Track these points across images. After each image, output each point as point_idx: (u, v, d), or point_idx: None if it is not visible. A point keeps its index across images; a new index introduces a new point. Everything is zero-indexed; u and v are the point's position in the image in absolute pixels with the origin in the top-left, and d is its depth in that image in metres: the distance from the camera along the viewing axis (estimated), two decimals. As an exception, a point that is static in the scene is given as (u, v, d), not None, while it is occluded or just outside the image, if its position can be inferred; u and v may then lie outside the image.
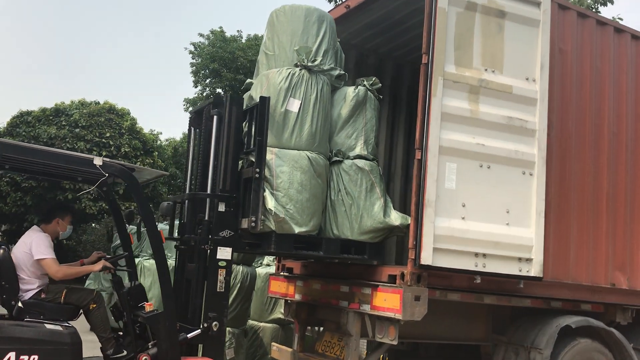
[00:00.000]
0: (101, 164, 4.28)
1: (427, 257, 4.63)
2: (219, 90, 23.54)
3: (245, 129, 5.08)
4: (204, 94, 23.95)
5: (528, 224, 5.09)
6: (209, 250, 4.67)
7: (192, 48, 23.81)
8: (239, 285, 6.93)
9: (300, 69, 5.12)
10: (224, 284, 4.63)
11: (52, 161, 4.33)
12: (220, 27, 23.99)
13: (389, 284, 4.85)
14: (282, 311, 7.56)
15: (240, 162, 5.08)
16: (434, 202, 4.70)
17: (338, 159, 5.23)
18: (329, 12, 6.59)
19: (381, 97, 5.67)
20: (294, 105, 5.01)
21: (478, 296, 5.24)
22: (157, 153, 24.34)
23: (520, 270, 5.01)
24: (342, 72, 5.47)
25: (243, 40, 24.00)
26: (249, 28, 56.47)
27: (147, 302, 4.73)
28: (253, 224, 4.69)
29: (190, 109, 23.60)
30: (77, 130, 19.55)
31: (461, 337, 5.69)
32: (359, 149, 5.29)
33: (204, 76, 23.63)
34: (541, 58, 5.26)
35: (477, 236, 4.85)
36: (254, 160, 4.84)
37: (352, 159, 5.25)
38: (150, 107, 62.06)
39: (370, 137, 5.39)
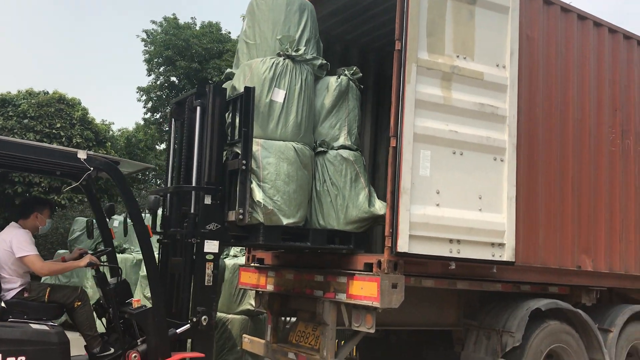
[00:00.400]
0: (85, 157, 4.18)
1: (403, 245, 4.63)
2: (173, 78, 23.06)
3: (229, 120, 4.99)
4: (158, 83, 23.43)
5: (500, 209, 5.15)
6: (195, 244, 4.58)
7: (144, 36, 23.27)
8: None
9: (284, 59, 5.05)
10: (212, 278, 4.57)
11: (35, 155, 4.21)
12: (174, 14, 23.52)
13: (365, 272, 4.84)
14: (252, 302, 7.48)
15: (224, 153, 4.98)
16: (409, 190, 4.70)
17: (322, 149, 5.20)
18: None
19: (362, 86, 5.65)
20: (279, 95, 4.94)
21: (451, 282, 5.28)
22: (109, 144, 23.69)
23: (493, 255, 5.07)
24: (325, 61, 5.40)
25: (197, 28, 23.54)
26: (203, 15, 55.54)
27: (133, 298, 4.63)
28: (241, 216, 4.63)
29: (144, 97, 23.32)
30: (26, 121, 18.81)
31: (434, 323, 5.75)
32: (342, 139, 5.27)
33: (157, 64, 23.09)
34: (510, 45, 5.31)
35: (451, 222, 4.88)
36: (238, 151, 4.77)
37: (336, 150, 5.24)
38: (102, 96, 60.35)
39: (353, 127, 5.37)
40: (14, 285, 4.40)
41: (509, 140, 5.22)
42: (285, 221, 4.81)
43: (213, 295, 4.63)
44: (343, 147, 5.24)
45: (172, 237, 4.90)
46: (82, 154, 4.19)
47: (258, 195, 4.71)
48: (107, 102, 58.93)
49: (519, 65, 5.38)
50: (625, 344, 6.22)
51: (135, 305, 4.45)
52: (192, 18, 24.15)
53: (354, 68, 5.50)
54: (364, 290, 4.77)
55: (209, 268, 4.57)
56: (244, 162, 4.68)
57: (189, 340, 4.61)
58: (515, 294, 5.77)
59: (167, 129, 24.48)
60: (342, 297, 5.01)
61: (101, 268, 4.79)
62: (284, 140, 4.96)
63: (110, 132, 26.16)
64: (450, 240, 4.88)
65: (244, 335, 6.56)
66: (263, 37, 5.24)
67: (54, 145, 4.72)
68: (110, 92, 60.91)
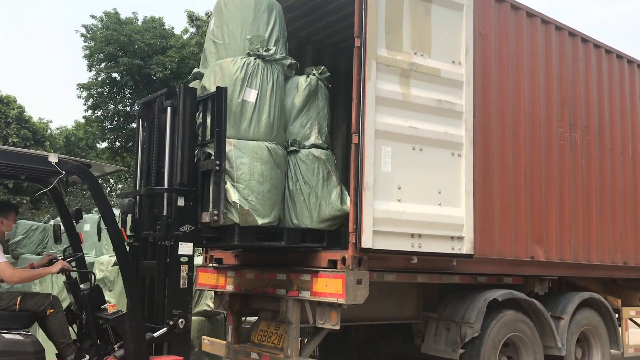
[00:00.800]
0: (57, 161, 4.10)
1: (367, 241, 4.66)
2: (115, 74, 22.38)
3: (199, 120, 4.94)
4: (99, 79, 22.69)
5: (458, 203, 5.26)
6: (169, 247, 4.52)
7: (83, 30, 22.47)
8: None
9: (255, 59, 5.03)
10: (187, 280, 4.54)
11: (4, 159, 4.07)
12: (114, 9, 22.83)
13: (330, 269, 4.84)
14: (209, 303, 7.38)
15: (195, 154, 4.90)
16: (372, 186, 4.73)
17: (294, 148, 5.20)
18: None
19: (330, 85, 5.66)
20: (251, 95, 4.93)
21: (412, 276, 5.36)
22: (48, 143, 22.88)
23: (453, 249, 5.17)
24: (294, 61, 5.41)
25: (139, 23, 22.91)
26: (145, 10, 54.11)
27: (106, 303, 4.53)
28: (216, 217, 4.59)
29: (85, 94, 22.54)
30: (-42, 120, 17.96)
31: (395, 317, 5.81)
32: (313, 138, 5.28)
33: (98, 60, 22.35)
34: (465, 42, 5.41)
35: (412, 217, 4.95)
36: (210, 152, 4.72)
37: (308, 148, 5.24)
38: (38, 93, 58.08)
39: (324, 126, 5.40)
40: None
41: (466, 136, 5.33)
42: (260, 221, 4.79)
43: (189, 297, 4.59)
44: (314, 145, 5.25)
45: (143, 240, 4.82)
46: (53, 158, 4.10)
47: (234, 195, 4.68)
48: (45, 99, 56.87)
49: (473, 62, 5.49)
50: (576, 329, 6.47)
51: (110, 310, 4.38)
52: (133, 13, 23.55)
53: (322, 68, 5.51)
54: (329, 287, 4.77)
55: (184, 270, 4.54)
56: (217, 162, 4.63)
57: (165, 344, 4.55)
58: (472, 285, 5.90)
59: (109, 126, 23.84)
60: (306, 294, 4.99)
61: (72, 274, 4.65)
62: (257, 140, 4.94)
63: (49, 131, 25.28)
64: (412, 235, 4.95)
65: (203, 336, 6.45)
66: (232, 36, 5.20)
67: (24, 149, 4.55)
68: (47, 89, 58.77)
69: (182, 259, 4.55)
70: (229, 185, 4.72)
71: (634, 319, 7.91)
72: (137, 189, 5.13)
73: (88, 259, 8.12)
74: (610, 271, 7.11)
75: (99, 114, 23.60)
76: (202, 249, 6.57)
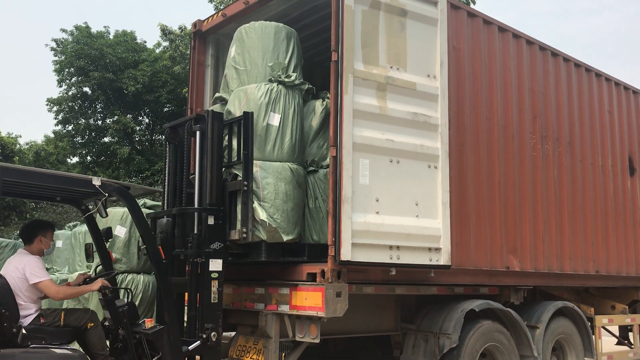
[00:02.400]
0: (100, 184, 4.32)
1: (346, 253, 4.67)
2: (86, 88, 22.14)
3: (225, 143, 5.24)
4: (70, 94, 22.40)
5: (435, 215, 5.31)
6: (200, 263, 4.74)
7: (54, 44, 22.19)
8: (140, 295, 6.56)
9: (277, 84, 5.33)
10: (217, 295, 4.75)
11: (50, 183, 4.31)
12: (85, 23, 22.61)
13: (309, 283, 4.84)
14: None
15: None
16: (350, 198, 4.75)
17: (313, 168, 5.52)
18: (226, 7, 6.49)
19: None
20: (275, 119, 5.22)
21: (390, 287, 5.38)
22: (17, 158, 22.53)
23: (430, 260, 5.21)
24: (311, 86, 5.68)
25: (111, 37, 22.75)
26: (117, 24, 53.63)
27: (140, 319, 4.78)
28: (244, 235, 4.87)
29: (55, 108, 22.20)
30: None
31: (373, 329, 5.82)
32: (329, 158, 5.41)
33: (69, 74, 22.09)
34: (440, 56, 5.50)
35: (390, 229, 4.98)
36: (237, 173, 5.07)
37: (325, 168, 5.50)
38: (6, 108, 57.05)
39: None
40: (30, 312, 4.42)
41: (442, 148, 5.40)
42: (285, 238, 5.05)
43: (219, 312, 4.80)
44: None
45: (172, 257, 5.02)
46: (96, 181, 4.34)
47: (262, 214, 4.96)
48: (13, 114, 55.86)
49: (448, 75, 5.58)
50: (551, 338, 6.57)
51: (148, 325, 4.57)
52: (105, 27, 23.26)
53: None
54: (308, 300, 4.77)
55: (214, 286, 4.76)
56: (245, 183, 4.94)
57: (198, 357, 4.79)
58: (449, 296, 5.95)
59: (80, 141, 23.49)
60: (285, 308, 4.98)
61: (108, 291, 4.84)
62: (280, 161, 5.22)
63: (18, 146, 24.86)
64: (391, 247, 4.98)
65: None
66: (253, 63, 5.52)
67: (69, 173, 4.82)
68: (16, 104, 57.78)
69: (212, 275, 4.76)
70: (256, 205, 5.00)
71: (606, 327, 8.06)
72: (165, 209, 5.38)
73: (60, 276, 8.00)
74: (583, 280, 7.24)
75: (70, 128, 23.29)
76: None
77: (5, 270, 4.49)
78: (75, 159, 24.75)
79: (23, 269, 4.46)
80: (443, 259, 5.26)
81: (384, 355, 6.35)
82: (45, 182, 4.28)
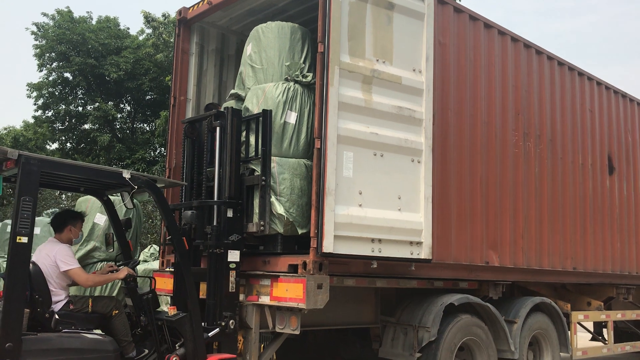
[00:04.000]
0: (130, 177, 4.44)
1: (328, 245, 4.68)
2: (67, 74, 21.81)
3: (243, 139, 5.37)
4: (50, 79, 22.06)
5: (417, 209, 5.33)
6: (219, 254, 4.90)
7: (34, 28, 21.81)
8: (119, 283, 6.53)
9: (294, 84, 5.47)
10: (235, 285, 4.92)
11: (83, 175, 4.42)
12: (68, 7, 22.23)
13: (290, 274, 4.83)
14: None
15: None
16: (333, 191, 4.75)
17: None
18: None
19: None
20: (292, 117, 5.38)
21: (371, 280, 5.40)
22: (-5, 143, 22.18)
23: (412, 254, 5.24)
24: None
25: (93, 22, 22.42)
26: (100, 10, 52.75)
27: (159, 307, 4.99)
28: (262, 228, 5.09)
29: (35, 93, 21.85)
30: None
31: (353, 321, 5.84)
32: None
33: (49, 59, 21.75)
34: (426, 50, 5.51)
35: (373, 222, 4.99)
36: (254, 168, 5.27)
37: None
38: (-18, 92, 55.90)
39: None
40: (60, 298, 4.54)
41: (425, 143, 5.42)
42: (300, 231, 5.18)
43: (237, 300, 5.00)
44: None
45: (191, 248, 5.10)
46: (126, 174, 4.45)
47: (279, 208, 5.12)
48: (-10, 98, 54.82)
49: (433, 70, 5.59)
50: (528, 333, 6.64)
51: (171, 312, 4.71)
52: (87, 12, 22.96)
53: None
54: (289, 292, 4.77)
55: (232, 276, 4.93)
56: (263, 178, 5.13)
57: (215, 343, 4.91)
58: (429, 290, 5.99)
59: (60, 127, 23.16)
60: (265, 299, 4.98)
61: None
62: (296, 158, 5.37)
63: (-5, 131, 24.46)
64: (372, 240, 4.99)
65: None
66: (270, 62, 5.66)
67: (101, 166, 4.99)
68: (-8, 87, 56.73)
69: (230, 265, 4.92)
70: (273, 199, 5.15)
71: (582, 323, 8.18)
72: (183, 201, 5.60)
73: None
74: (561, 276, 7.34)
75: (50, 114, 22.96)
76: (159, 253, 6.46)
77: (37, 258, 4.57)
78: (54, 145, 24.43)
79: (54, 257, 4.58)
80: (424, 252, 5.29)
81: (363, 348, 6.37)
82: (76, 173, 4.37)
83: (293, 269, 4.88)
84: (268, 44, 5.69)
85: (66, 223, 4.83)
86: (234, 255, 4.94)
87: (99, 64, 21.29)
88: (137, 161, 20.73)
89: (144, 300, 4.81)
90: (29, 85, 22.43)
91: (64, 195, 17.39)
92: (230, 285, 4.90)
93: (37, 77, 27.49)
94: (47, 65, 22.08)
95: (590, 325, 9.25)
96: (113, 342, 4.44)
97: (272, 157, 5.24)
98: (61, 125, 23.13)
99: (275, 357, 6.85)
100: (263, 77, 5.67)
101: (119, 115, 23.25)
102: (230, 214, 5.01)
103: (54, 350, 4.03)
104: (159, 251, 6.72)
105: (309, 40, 5.78)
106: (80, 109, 22.91)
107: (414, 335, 5.58)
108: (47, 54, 21.80)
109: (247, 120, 5.43)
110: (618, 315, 8.51)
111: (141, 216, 7.67)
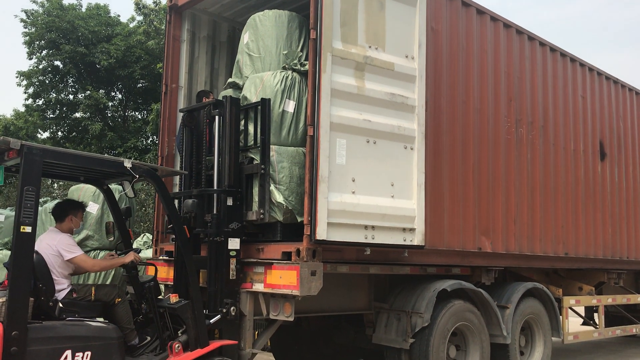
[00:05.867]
0: (131, 166, 4.47)
1: (322, 232, 4.69)
2: (57, 62, 21.61)
3: (242, 127, 5.37)
4: (40, 67, 21.85)
5: (410, 195, 5.35)
6: (220, 242, 4.93)
7: (23, 15, 21.56)
8: (113, 271, 6.53)
9: (292, 72, 5.45)
10: (235, 272, 4.97)
11: (85, 165, 4.45)
12: (57, -7, 21.97)
13: (284, 261, 4.84)
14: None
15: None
16: (327, 178, 4.76)
17: None
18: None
19: None
20: (290, 105, 5.37)
21: (364, 267, 5.43)
22: (-16, 132, 21.99)
23: (405, 240, 5.26)
24: None
25: (83, 9, 22.18)
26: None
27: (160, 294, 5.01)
28: (262, 216, 5.13)
29: (25, 82, 21.65)
30: None
31: (347, 308, 5.87)
32: None
33: (39, 47, 21.53)
34: (418, 37, 5.49)
35: (366, 209, 5.01)
36: (253, 156, 5.27)
37: None
38: (-29, 81, 55.33)
39: None
40: (63, 286, 4.56)
41: (418, 129, 5.42)
42: (299, 219, 5.15)
43: (237, 287, 5.03)
44: None
45: (192, 236, 5.12)
46: (128, 163, 4.48)
47: (278, 197, 5.13)
48: (-21, 87, 54.29)
49: (426, 57, 5.58)
50: (520, 318, 6.70)
51: (173, 299, 4.73)
52: (77, -1, 22.62)
53: None
54: (283, 279, 4.78)
55: (233, 263, 4.96)
56: (262, 166, 5.14)
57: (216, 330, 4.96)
58: (422, 276, 6.02)
59: (51, 115, 22.99)
60: (259, 286, 4.99)
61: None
62: (294, 146, 5.37)
63: (-15, 120, 24.25)
64: (366, 227, 5.01)
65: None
66: (267, 50, 5.68)
67: (103, 155, 5.00)
68: (-18, 76, 56.13)
69: (231, 253, 4.96)
70: (272, 187, 5.17)
71: (573, 307, 8.26)
72: (181, 190, 5.64)
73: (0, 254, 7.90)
74: (553, 262, 7.39)
75: (40, 102, 22.77)
76: (152, 242, 6.46)
77: (38, 247, 4.54)
78: (45, 134, 24.27)
79: (56, 246, 4.60)
80: (417, 239, 5.32)
81: (356, 334, 6.41)
82: (78, 163, 4.40)
83: (287, 256, 4.88)
84: (265, 33, 5.70)
85: (67, 213, 4.84)
86: (234, 243, 4.97)
87: (90, 52, 21.08)
88: (129, 149, 20.62)
89: (146, 287, 4.86)
90: (19, 73, 22.21)
91: (55, 184, 17.30)
92: (231, 272, 4.94)
93: (27, 65, 27.27)
94: (37, 53, 21.84)
95: (581, 310, 9.34)
96: (117, 329, 4.48)
97: (271, 146, 5.24)
98: (52, 114, 22.94)
99: (269, 344, 6.91)
100: (261, 66, 5.67)
101: (110, 104, 23.09)
102: (230, 202, 5.03)
103: (59, 337, 4.08)
104: (152, 239, 6.70)
105: (306, 28, 5.74)
106: (71, 97, 22.73)
107: (407, 321, 5.61)
108: (37, 42, 21.57)
109: (245, 109, 5.42)
110: (609, 299, 8.60)
111: (134, 205, 7.66)
